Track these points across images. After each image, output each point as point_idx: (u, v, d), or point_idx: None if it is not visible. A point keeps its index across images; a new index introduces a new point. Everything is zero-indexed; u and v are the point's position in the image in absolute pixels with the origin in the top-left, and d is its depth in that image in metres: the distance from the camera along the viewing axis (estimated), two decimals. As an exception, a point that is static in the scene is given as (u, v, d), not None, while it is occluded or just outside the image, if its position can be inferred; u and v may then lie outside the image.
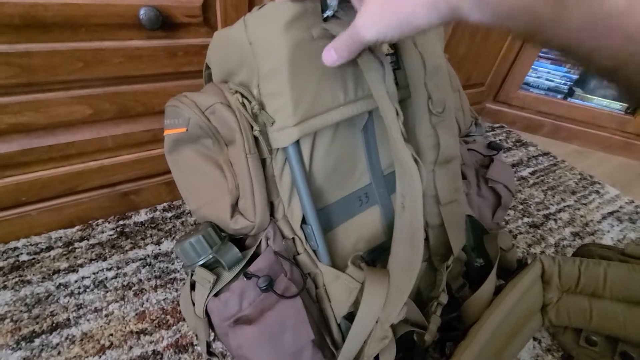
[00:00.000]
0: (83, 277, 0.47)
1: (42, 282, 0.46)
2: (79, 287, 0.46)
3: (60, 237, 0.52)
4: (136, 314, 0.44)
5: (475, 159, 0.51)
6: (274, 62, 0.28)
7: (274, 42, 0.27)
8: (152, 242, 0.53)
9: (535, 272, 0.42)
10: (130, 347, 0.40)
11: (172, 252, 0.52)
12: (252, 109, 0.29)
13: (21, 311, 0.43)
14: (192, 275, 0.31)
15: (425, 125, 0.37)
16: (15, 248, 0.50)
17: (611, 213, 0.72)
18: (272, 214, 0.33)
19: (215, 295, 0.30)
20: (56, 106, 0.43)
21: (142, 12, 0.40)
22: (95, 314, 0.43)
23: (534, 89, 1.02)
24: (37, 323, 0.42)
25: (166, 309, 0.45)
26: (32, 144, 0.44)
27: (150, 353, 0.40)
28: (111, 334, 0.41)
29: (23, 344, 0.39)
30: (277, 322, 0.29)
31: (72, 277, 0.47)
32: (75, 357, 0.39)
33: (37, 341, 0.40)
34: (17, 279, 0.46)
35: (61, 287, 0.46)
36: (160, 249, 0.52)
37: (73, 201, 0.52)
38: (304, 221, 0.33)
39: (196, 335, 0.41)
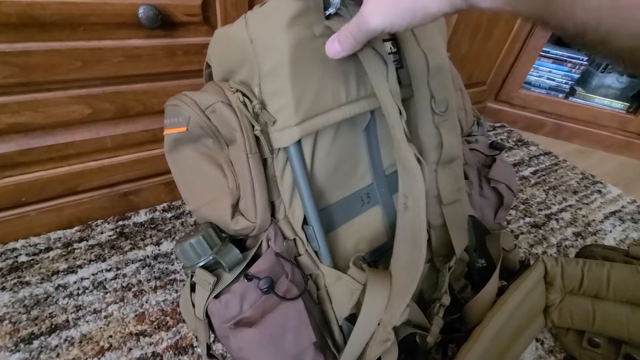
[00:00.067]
0: (82, 278, 0.47)
1: (41, 283, 0.46)
2: (78, 289, 0.46)
3: (60, 238, 0.52)
4: (136, 316, 0.43)
5: (477, 159, 0.51)
6: (276, 60, 0.27)
7: (276, 40, 0.27)
8: (151, 243, 0.53)
9: (538, 273, 0.41)
10: (130, 349, 0.40)
11: (171, 253, 0.52)
12: (253, 108, 0.28)
13: (20, 313, 0.42)
14: (192, 276, 0.31)
15: (428, 124, 0.36)
16: (14, 249, 0.49)
17: (613, 213, 0.72)
18: (273, 215, 0.33)
19: (216, 297, 0.29)
20: (55, 106, 0.42)
21: (141, 10, 0.40)
22: (95, 315, 0.43)
23: (536, 88, 1.01)
24: (36, 325, 0.41)
25: (166, 310, 0.44)
26: (31, 144, 0.44)
27: (149, 355, 0.40)
28: (110, 336, 0.41)
29: (22, 345, 0.39)
30: (279, 325, 0.29)
31: (71, 278, 0.47)
32: (74, 359, 0.39)
33: (35, 343, 0.39)
34: (15, 280, 0.46)
35: (60, 288, 0.45)
36: (160, 250, 0.52)
37: (72, 202, 0.52)
38: (305, 222, 0.33)
39: (196, 337, 0.41)
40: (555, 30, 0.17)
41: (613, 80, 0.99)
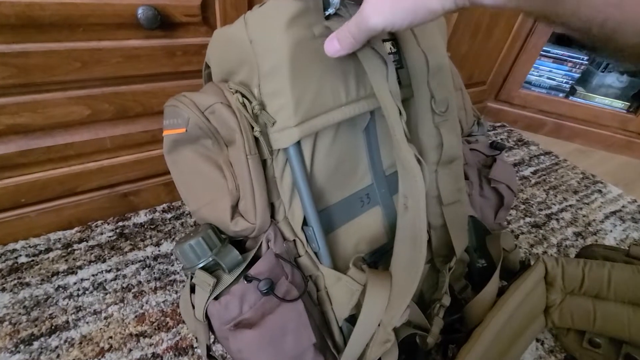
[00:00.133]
0: (82, 279, 0.47)
1: (41, 284, 0.46)
2: (78, 289, 0.46)
3: (59, 239, 0.52)
4: (136, 316, 0.43)
5: (477, 159, 0.51)
6: (275, 61, 0.27)
7: (275, 40, 0.27)
8: (151, 244, 0.53)
9: (539, 274, 0.41)
10: (130, 350, 0.40)
11: (171, 254, 0.52)
12: (253, 109, 0.28)
13: (20, 314, 0.42)
14: (192, 277, 0.31)
15: (428, 124, 0.36)
16: (14, 250, 0.49)
17: (614, 212, 0.72)
18: (272, 216, 0.33)
19: (216, 298, 0.29)
20: (54, 107, 0.42)
21: (140, 11, 0.40)
22: (95, 316, 0.43)
23: (536, 88, 1.01)
24: (36, 326, 0.41)
25: (166, 311, 0.44)
26: (30, 145, 0.44)
27: (149, 356, 0.40)
28: (110, 337, 0.41)
29: (22, 347, 0.39)
30: (278, 326, 0.29)
31: (71, 279, 0.47)
32: (74, 360, 0.39)
33: (35, 344, 0.39)
34: (15, 281, 0.45)
35: (60, 289, 0.45)
36: (159, 251, 0.52)
37: (72, 202, 0.51)
38: (305, 223, 0.32)
39: (196, 338, 0.41)
40: (560, 26, 0.17)
41: (613, 79, 0.99)
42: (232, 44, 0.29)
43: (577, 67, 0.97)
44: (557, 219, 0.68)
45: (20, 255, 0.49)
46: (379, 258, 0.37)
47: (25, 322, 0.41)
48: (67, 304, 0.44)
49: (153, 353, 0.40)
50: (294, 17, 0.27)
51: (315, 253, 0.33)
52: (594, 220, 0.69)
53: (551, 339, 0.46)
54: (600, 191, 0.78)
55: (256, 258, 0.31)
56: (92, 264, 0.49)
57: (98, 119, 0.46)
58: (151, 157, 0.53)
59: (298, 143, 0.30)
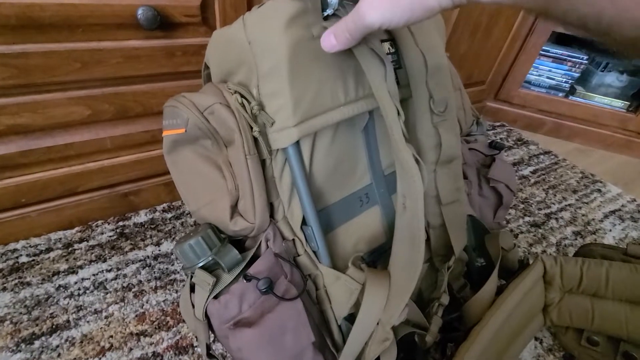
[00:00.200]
0: (83, 279, 0.47)
1: (41, 283, 0.46)
2: (79, 289, 0.46)
3: (60, 239, 0.52)
4: (136, 316, 0.43)
5: (476, 159, 0.51)
6: (274, 61, 0.27)
7: (274, 41, 0.27)
8: (151, 243, 0.53)
9: (537, 273, 0.41)
10: (130, 349, 0.40)
11: (171, 253, 0.52)
12: (252, 109, 0.28)
13: (21, 313, 0.42)
14: (191, 277, 0.31)
15: (427, 124, 0.36)
16: (15, 250, 0.49)
17: (613, 212, 0.72)
18: (272, 215, 0.33)
19: (215, 297, 0.30)
20: (54, 107, 0.43)
21: (139, 12, 0.40)
22: (95, 315, 0.43)
23: (535, 87, 1.01)
24: (37, 325, 0.41)
25: (166, 311, 0.44)
26: (31, 145, 0.44)
27: (150, 355, 0.40)
28: (111, 336, 0.41)
29: (23, 346, 0.39)
30: (278, 325, 0.29)
31: (72, 278, 0.47)
32: (75, 359, 0.39)
33: (36, 343, 0.40)
34: (16, 281, 0.46)
35: (61, 288, 0.46)
36: (160, 250, 0.52)
37: (72, 202, 0.52)
38: (304, 222, 0.33)
39: (196, 337, 0.41)
40: (558, 22, 0.17)
41: (613, 79, 0.99)
42: (231, 44, 0.29)
43: (577, 66, 0.97)
44: (556, 218, 0.68)
45: (21, 255, 0.49)
46: (377, 257, 0.38)
47: (26, 322, 0.42)
48: (68, 303, 0.44)
49: (153, 352, 0.40)
50: (293, 18, 0.27)
51: (315, 252, 0.33)
52: (593, 219, 0.69)
53: (550, 338, 0.46)
54: (599, 190, 0.78)
55: (255, 257, 0.31)
56: (92, 263, 0.49)
57: (98, 119, 0.46)
58: (151, 157, 0.53)
59: (297, 143, 0.30)
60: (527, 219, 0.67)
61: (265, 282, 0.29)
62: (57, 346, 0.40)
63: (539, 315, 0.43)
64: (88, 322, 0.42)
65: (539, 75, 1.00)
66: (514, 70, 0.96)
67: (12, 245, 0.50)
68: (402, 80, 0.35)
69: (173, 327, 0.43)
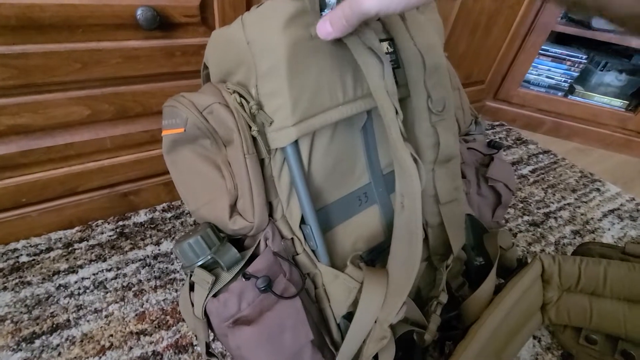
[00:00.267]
0: (83, 278, 0.47)
1: (42, 283, 0.46)
2: (79, 288, 0.46)
3: (60, 238, 0.52)
4: (136, 315, 0.44)
5: (475, 158, 0.51)
6: (272, 61, 0.28)
7: (272, 40, 0.27)
8: (151, 243, 0.53)
9: (535, 271, 0.42)
10: (130, 348, 0.40)
11: (171, 253, 0.52)
12: (250, 109, 0.29)
13: (21, 312, 0.43)
14: (191, 276, 0.31)
15: (425, 124, 0.37)
16: (15, 249, 0.50)
17: (612, 211, 0.72)
18: (271, 215, 0.33)
19: (214, 296, 0.30)
20: (54, 107, 0.43)
21: (139, 12, 0.40)
22: (95, 314, 0.43)
23: (535, 87, 1.01)
24: (38, 324, 0.42)
25: (166, 310, 0.45)
26: (31, 145, 0.44)
27: (150, 353, 0.40)
28: (111, 335, 0.41)
29: (23, 345, 0.40)
30: (276, 323, 0.29)
31: (72, 278, 0.47)
32: (75, 358, 0.39)
33: (37, 342, 0.40)
34: (17, 280, 0.46)
35: (61, 288, 0.46)
36: (159, 250, 0.52)
37: (73, 202, 0.52)
38: (303, 221, 0.33)
39: (196, 336, 0.41)
40: (555, 1, 0.17)
41: (612, 78, 0.99)
42: (230, 45, 0.29)
43: (576, 65, 0.97)
44: (555, 218, 0.68)
45: (22, 255, 0.49)
46: (376, 256, 0.38)
47: (27, 321, 0.42)
48: (68, 302, 0.44)
49: (153, 351, 0.40)
50: (291, 17, 0.27)
51: (313, 251, 0.34)
52: (592, 218, 0.70)
53: (548, 336, 0.46)
54: (598, 189, 0.79)
55: (254, 256, 0.31)
56: (92, 263, 0.49)
57: (98, 119, 0.46)
58: (151, 156, 0.54)
59: (295, 142, 0.30)
60: (526, 218, 0.67)
61: (264, 280, 0.29)
62: (58, 345, 0.40)
63: (537, 313, 0.43)
64: (88, 321, 0.43)
65: (538, 75, 1.00)
66: (513, 70, 0.96)
67: (12, 245, 0.50)
68: (400, 80, 0.35)
69: (173, 326, 0.43)
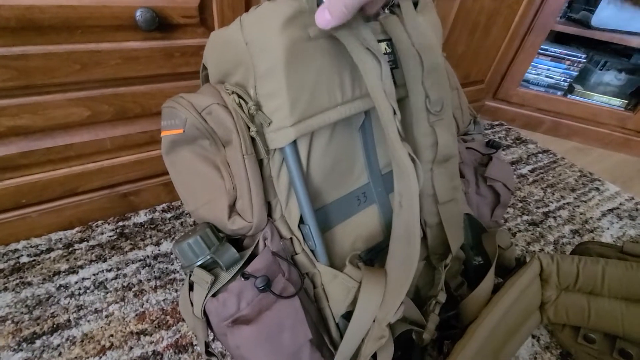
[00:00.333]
0: (83, 279, 0.47)
1: (42, 283, 0.46)
2: (79, 289, 0.46)
3: (60, 239, 0.52)
4: (136, 315, 0.44)
5: (473, 158, 0.51)
6: (270, 62, 0.28)
7: (270, 41, 0.27)
8: (151, 243, 0.53)
9: (534, 270, 0.42)
10: (131, 348, 0.40)
11: (171, 253, 0.52)
12: (249, 109, 0.29)
13: (22, 313, 0.43)
14: (190, 275, 0.31)
15: (423, 124, 0.37)
16: (16, 250, 0.50)
17: (611, 210, 0.72)
18: (269, 214, 0.33)
19: (214, 295, 0.30)
20: (54, 108, 0.43)
21: (138, 13, 0.40)
22: (96, 314, 0.43)
23: (534, 86, 1.01)
24: (38, 324, 0.42)
25: (166, 310, 0.45)
26: (31, 146, 0.44)
27: (150, 353, 0.40)
28: (111, 335, 0.42)
29: (24, 345, 0.40)
30: (275, 322, 0.29)
31: (73, 278, 0.47)
32: (76, 357, 0.39)
33: (38, 342, 0.40)
34: (17, 281, 0.46)
35: (61, 288, 0.46)
36: (159, 250, 0.53)
37: (73, 203, 0.52)
38: (301, 221, 0.33)
39: (195, 335, 0.42)
40: None
41: (611, 77, 0.99)
42: (228, 45, 0.29)
43: (575, 65, 0.97)
44: (554, 217, 0.69)
45: (22, 255, 0.49)
46: (375, 256, 0.38)
47: (28, 321, 0.42)
48: (69, 302, 0.44)
49: (153, 351, 0.40)
50: (289, 18, 0.27)
51: (312, 251, 0.34)
52: (591, 217, 0.70)
53: (547, 335, 0.46)
54: (597, 189, 0.79)
55: (253, 256, 0.31)
56: (93, 263, 0.50)
57: (98, 120, 0.47)
58: (151, 157, 0.54)
59: (294, 143, 0.30)
60: (525, 217, 0.67)
61: (263, 280, 0.29)
62: (58, 345, 0.40)
63: (536, 312, 0.43)
64: (89, 321, 0.43)
65: (538, 74, 1.00)
66: (513, 69, 0.96)
67: (13, 246, 0.50)
68: (398, 80, 0.35)
69: (173, 326, 0.43)
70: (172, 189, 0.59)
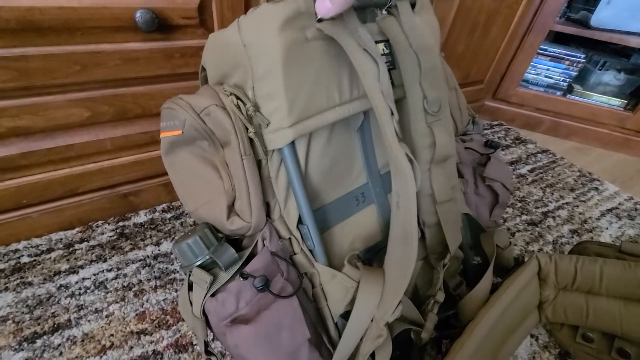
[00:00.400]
0: (83, 279, 0.48)
1: (43, 283, 0.46)
2: (80, 288, 0.46)
3: (61, 239, 0.52)
4: (136, 315, 0.44)
5: (472, 158, 0.51)
6: (268, 64, 0.28)
7: (268, 43, 0.28)
8: (151, 243, 0.54)
9: (532, 270, 0.42)
10: (131, 347, 0.41)
11: (171, 253, 0.52)
12: (247, 110, 0.29)
13: (23, 312, 0.43)
14: (189, 275, 0.31)
15: (421, 124, 0.37)
16: (16, 250, 0.50)
17: (610, 210, 0.72)
18: (268, 215, 0.34)
19: (213, 295, 0.30)
20: (54, 109, 0.43)
21: (138, 14, 0.40)
22: (96, 314, 0.44)
23: (533, 86, 1.01)
24: (39, 324, 0.42)
25: (166, 309, 0.45)
26: (32, 147, 0.45)
27: (150, 353, 0.40)
28: (112, 335, 0.42)
29: (25, 345, 0.40)
30: (274, 322, 0.29)
31: (73, 278, 0.48)
32: (76, 357, 0.39)
33: (38, 342, 0.40)
34: (18, 281, 0.46)
35: (62, 288, 0.46)
36: (159, 250, 0.53)
37: (73, 203, 0.52)
38: (300, 221, 0.33)
39: (195, 335, 0.42)
40: None
41: (611, 77, 0.99)
42: (227, 47, 0.30)
43: (575, 65, 0.97)
44: (553, 217, 0.69)
45: (23, 255, 0.49)
46: (373, 255, 0.38)
47: (28, 321, 0.42)
48: (69, 302, 0.45)
49: (154, 350, 0.41)
50: (287, 20, 0.27)
51: (311, 251, 0.34)
52: (590, 217, 0.70)
53: (545, 335, 0.46)
54: (596, 189, 0.79)
55: (252, 256, 0.32)
56: (93, 263, 0.50)
57: (98, 120, 0.47)
58: (150, 157, 0.54)
59: (292, 143, 0.30)
60: (524, 217, 0.68)
61: (262, 280, 0.29)
62: (59, 345, 0.40)
63: (534, 312, 0.44)
64: (89, 321, 0.43)
65: (537, 74, 1.00)
66: (512, 69, 0.96)
67: (13, 246, 0.50)
68: (396, 81, 0.35)
69: (173, 326, 0.43)
70: (171, 189, 0.60)
